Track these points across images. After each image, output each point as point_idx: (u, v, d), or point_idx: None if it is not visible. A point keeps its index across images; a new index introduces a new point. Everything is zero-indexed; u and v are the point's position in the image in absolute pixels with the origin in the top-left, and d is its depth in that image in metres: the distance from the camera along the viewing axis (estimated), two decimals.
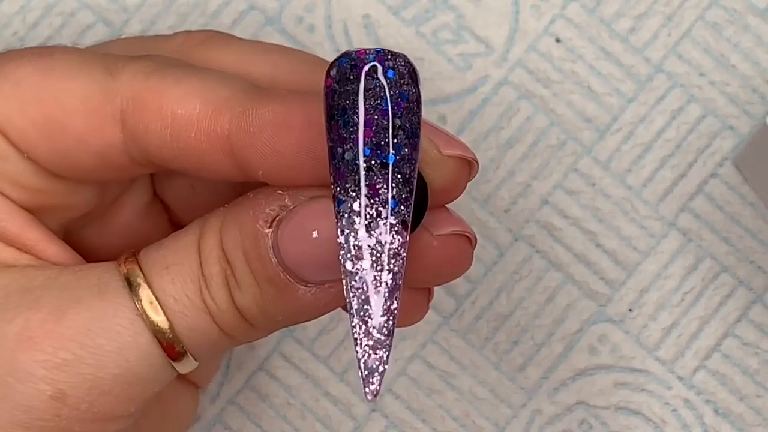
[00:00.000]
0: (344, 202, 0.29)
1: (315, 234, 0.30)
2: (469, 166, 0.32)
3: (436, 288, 0.43)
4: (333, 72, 0.30)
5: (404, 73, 0.30)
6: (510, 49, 0.43)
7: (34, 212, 0.34)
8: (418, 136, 0.30)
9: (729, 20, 0.43)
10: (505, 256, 0.43)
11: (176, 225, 0.38)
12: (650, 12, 0.43)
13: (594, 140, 0.43)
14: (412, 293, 0.33)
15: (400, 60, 0.30)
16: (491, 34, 0.44)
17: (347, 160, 0.29)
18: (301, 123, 0.31)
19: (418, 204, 0.31)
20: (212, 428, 0.42)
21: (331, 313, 0.42)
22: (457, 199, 0.42)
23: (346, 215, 0.29)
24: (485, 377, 0.42)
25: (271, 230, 0.31)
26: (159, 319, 0.32)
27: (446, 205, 0.33)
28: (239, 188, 0.36)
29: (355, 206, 0.29)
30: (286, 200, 0.31)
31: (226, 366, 0.43)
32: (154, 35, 0.37)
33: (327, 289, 0.31)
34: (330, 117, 0.30)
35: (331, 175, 0.30)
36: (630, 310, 0.42)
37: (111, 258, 0.33)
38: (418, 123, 0.30)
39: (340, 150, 0.29)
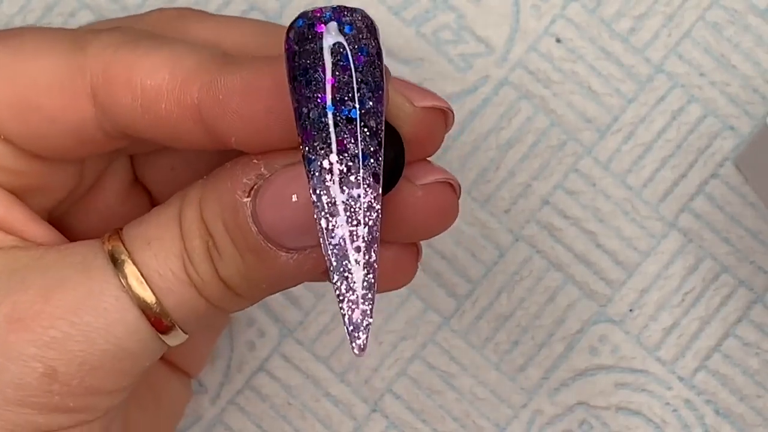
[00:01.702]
0: (314, 160, 0.30)
1: (294, 198, 0.30)
2: (444, 115, 0.32)
3: (435, 288, 0.43)
4: (291, 34, 0.30)
5: (362, 28, 0.30)
6: (510, 49, 0.43)
7: (16, 196, 0.34)
8: (381, 89, 0.30)
9: (729, 20, 0.43)
10: (505, 257, 0.43)
11: None
12: (650, 12, 0.43)
13: (594, 140, 0.43)
14: (399, 251, 0.34)
15: (357, 15, 0.30)
16: (492, 34, 0.44)
17: (313, 119, 0.30)
18: (269, 86, 0.31)
19: (396, 157, 0.31)
20: (213, 429, 0.42)
21: (331, 312, 0.43)
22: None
23: (317, 173, 0.30)
24: (486, 377, 0.42)
25: (249, 199, 0.31)
26: (145, 294, 0.32)
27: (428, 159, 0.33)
28: (218, 165, 0.36)
29: (325, 164, 0.30)
30: (262, 169, 0.31)
31: (226, 366, 0.43)
32: (130, 15, 0.37)
33: (308, 254, 0.31)
34: (293, 78, 0.30)
35: (299, 135, 0.30)
36: (630, 310, 0.42)
37: None
38: (381, 76, 0.30)
39: (305, 109, 0.30)
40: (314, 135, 0.30)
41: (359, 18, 0.30)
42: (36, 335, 0.32)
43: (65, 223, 0.37)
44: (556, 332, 0.42)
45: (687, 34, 0.43)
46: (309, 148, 0.30)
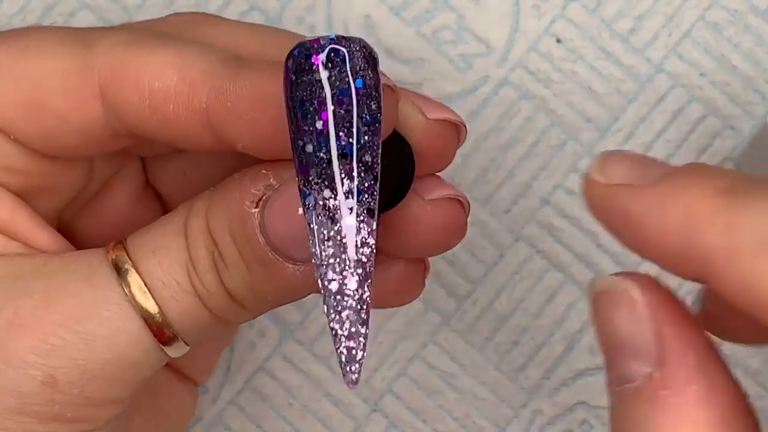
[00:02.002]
0: (309, 194, 0.29)
1: (300, 211, 0.30)
2: (456, 129, 0.32)
3: (435, 288, 0.43)
4: (290, 63, 0.29)
5: (360, 59, 0.29)
6: (510, 49, 0.43)
7: (25, 198, 0.34)
8: (378, 122, 0.29)
9: (729, 20, 0.43)
10: (505, 257, 0.43)
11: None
12: (651, 12, 0.43)
13: (594, 140, 0.43)
14: (407, 267, 0.33)
15: (356, 45, 0.30)
16: (492, 34, 0.43)
17: (308, 153, 0.29)
18: (278, 95, 0.31)
19: (405, 171, 0.31)
20: (213, 429, 0.42)
21: None
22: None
23: (311, 207, 0.29)
24: (486, 377, 0.42)
25: (257, 210, 0.31)
26: (148, 303, 0.32)
27: (438, 174, 0.33)
28: (227, 172, 0.36)
29: (320, 198, 0.29)
30: (271, 180, 0.31)
31: (226, 366, 0.43)
32: (145, 20, 0.37)
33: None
34: (290, 109, 0.29)
35: (295, 168, 0.29)
36: None
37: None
38: (378, 108, 0.29)
39: (300, 142, 0.29)
40: (309, 169, 0.29)
41: (357, 48, 0.30)
42: (37, 341, 0.31)
43: (75, 228, 0.37)
44: (556, 332, 0.42)
45: (687, 34, 0.43)
46: (304, 182, 0.29)
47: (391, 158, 0.30)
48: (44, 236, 0.34)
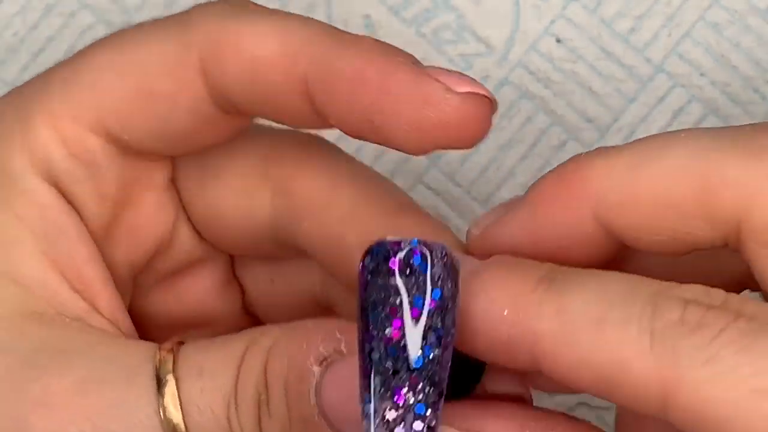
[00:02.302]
0: (369, 402, 0.27)
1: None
2: (489, 103, 0.31)
3: None
4: (367, 260, 0.28)
5: (440, 268, 0.28)
6: (511, 49, 0.43)
7: (105, 242, 0.34)
8: (451, 336, 0.28)
9: (730, 20, 0.43)
10: None
11: (248, 310, 0.37)
12: (651, 12, 0.43)
13: (595, 140, 0.43)
14: None
15: (437, 252, 0.28)
16: (492, 34, 0.44)
17: (373, 360, 0.27)
18: (377, 83, 0.30)
19: (474, 379, 0.30)
20: None
21: None
22: (458, 200, 0.42)
23: (370, 415, 0.27)
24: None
25: (319, 370, 0.30)
26: (177, 421, 0.31)
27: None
28: (315, 293, 0.36)
29: (380, 408, 0.27)
30: (342, 346, 0.30)
31: None
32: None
33: None
34: (362, 309, 0.28)
35: (359, 370, 0.28)
36: None
37: (172, 328, 0.33)
38: (452, 323, 0.28)
39: (368, 346, 0.27)
40: (373, 377, 0.27)
41: (438, 256, 0.28)
42: (57, 427, 0.31)
43: (150, 303, 0.36)
44: None
45: (687, 34, 0.43)
46: (366, 388, 0.27)
47: (462, 365, 0.29)
48: (106, 296, 0.33)
